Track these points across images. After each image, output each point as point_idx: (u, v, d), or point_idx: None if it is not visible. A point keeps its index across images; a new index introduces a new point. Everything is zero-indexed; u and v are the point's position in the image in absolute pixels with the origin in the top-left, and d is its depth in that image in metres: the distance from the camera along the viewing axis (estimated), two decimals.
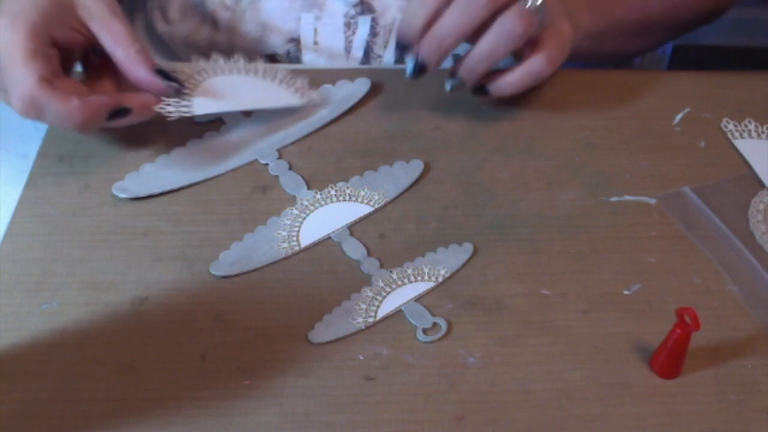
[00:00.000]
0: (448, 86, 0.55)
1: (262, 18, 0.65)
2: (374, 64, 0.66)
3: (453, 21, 0.51)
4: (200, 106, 0.53)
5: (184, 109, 0.52)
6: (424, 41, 0.52)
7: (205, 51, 0.68)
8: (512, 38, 0.51)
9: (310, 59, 0.66)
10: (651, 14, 0.64)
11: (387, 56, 0.66)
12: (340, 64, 0.66)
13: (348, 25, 0.65)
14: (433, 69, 0.53)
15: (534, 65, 0.53)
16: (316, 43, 0.66)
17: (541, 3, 0.52)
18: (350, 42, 0.65)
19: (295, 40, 0.66)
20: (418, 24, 0.52)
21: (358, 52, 0.66)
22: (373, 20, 0.65)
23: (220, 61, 0.56)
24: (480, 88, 0.55)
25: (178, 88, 0.52)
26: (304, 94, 0.57)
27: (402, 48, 0.54)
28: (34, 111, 0.46)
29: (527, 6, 0.51)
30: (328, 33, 0.65)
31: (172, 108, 0.52)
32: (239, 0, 0.65)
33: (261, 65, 0.57)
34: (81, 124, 0.47)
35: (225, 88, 0.55)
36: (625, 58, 0.72)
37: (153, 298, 0.46)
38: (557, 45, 0.54)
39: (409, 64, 0.53)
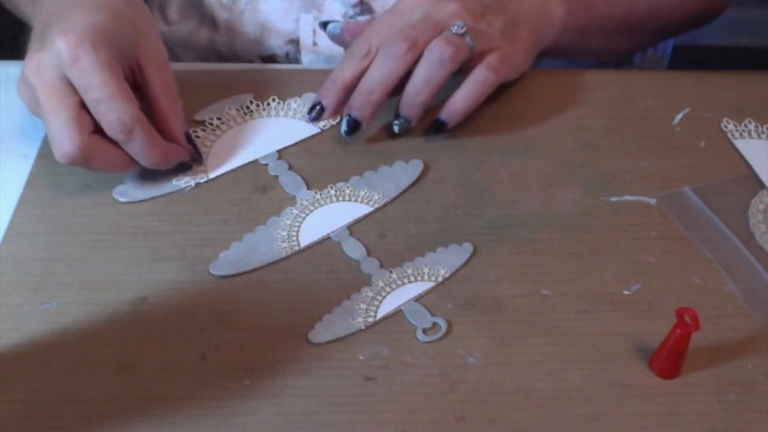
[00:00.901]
0: (395, 128, 0.55)
1: (261, 19, 0.65)
2: None
3: (377, 73, 0.53)
4: (215, 169, 0.53)
5: (200, 176, 0.52)
6: (353, 98, 0.54)
7: (205, 52, 0.68)
8: (443, 63, 0.52)
9: (310, 60, 0.66)
10: (636, 13, 0.64)
11: None
12: None
13: None
14: (368, 124, 0.54)
15: (477, 75, 0.54)
16: (315, 44, 0.66)
17: (465, 28, 0.53)
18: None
19: (295, 41, 0.66)
20: (340, 81, 0.55)
21: None
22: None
23: (233, 111, 0.56)
24: (435, 123, 0.55)
25: (199, 159, 0.53)
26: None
27: (318, 111, 0.56)
28: (82, 162, 0.47)
29: (452, 32, 0.53)
30: None
31: (188, 177, 0.52)
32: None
33: (272, 103, 0.57)
34: (127, 167, 0.49)
35: (239, 141, 0.55)
36: (612, 56, 0.73)
37: (153, 298, 0.46)
38: (497, 55, 0.55)
39: (343, 123, 0.54)
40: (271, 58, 0.67)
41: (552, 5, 0.60)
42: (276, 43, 0.66)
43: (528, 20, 0.58)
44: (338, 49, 0.65)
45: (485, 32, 0.55)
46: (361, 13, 0.64)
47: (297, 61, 0.66)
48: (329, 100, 0.56)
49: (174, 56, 0.71)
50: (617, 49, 0.69)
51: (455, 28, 0.53)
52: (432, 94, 0.54)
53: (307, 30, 0.65)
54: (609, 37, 0.65)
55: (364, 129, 0.55)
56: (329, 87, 0.56)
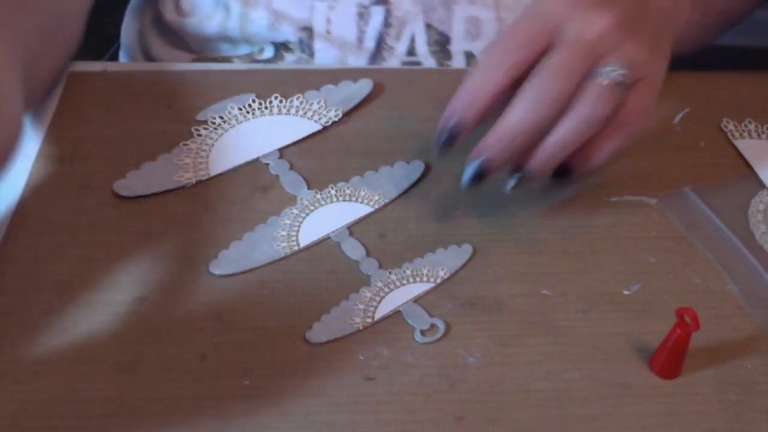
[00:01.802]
0: (511, 184, 0.47)
1: (275, 6, 0.65)
2: (381, 63, 0.66)
3: (523, 115, 0.45)
4: (217, 166, 0.53)
5: (203, 173, 0.52)
6: (489, 139, 0.46)
7: (216, 40, 0.68)
8: (592, 124, 0.45)
9: (322, 47, 0.66)
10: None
11: (399, 48, 0.66)
12: (352, 54, 0.65)
13: (361, 14, 0.65)
14: (496, 173, 0.46)
15: (630, 128, 0.47)
16: (328, 32, 0.65)
17: (620, 73, 0.45)
18: (363, 32, 0.65)
19: (308, 29, 0.66)
20: (483, 101, 0.46)
21: (370, 43, 0.65)
22: (387, 11, 0.65)
23: (235, 110, 0.56)
24: (560, 171, 0.48)
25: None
26: (322, 116, 0.57)
27: (451, 137, 0.47)
28: None
29: (605, 83, 0.45)
30: (341, 22, 0.65)
31: (190, 174, 0.52)
32: None
33: (275, 101, 0.57)
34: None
35: (241, 139, 0.55)
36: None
37: (153, 298, 0.46)
38: (646, 97, 0.47)
39: (468, 170, 0.46)
40: (284, 45, 0.67)
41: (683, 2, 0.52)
42: (289, 31, 0.66)
43: (664, 26, 0.50)
44: (351, 38, 0.65)
45: (633, 61, 0.46)
46: (376, 3, 0.64)
47: (310, 48, 0.66)
48: (469, 117, 0.46)
49: (184, 44, 0.70)
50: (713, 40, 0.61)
51: (610, 71, 0.44)
52: (568, 153, 0.46)
53: (320, 18, 0.65)
54: (718, 30, 0.58)
55: (489, 180, 0.47)
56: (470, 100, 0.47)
